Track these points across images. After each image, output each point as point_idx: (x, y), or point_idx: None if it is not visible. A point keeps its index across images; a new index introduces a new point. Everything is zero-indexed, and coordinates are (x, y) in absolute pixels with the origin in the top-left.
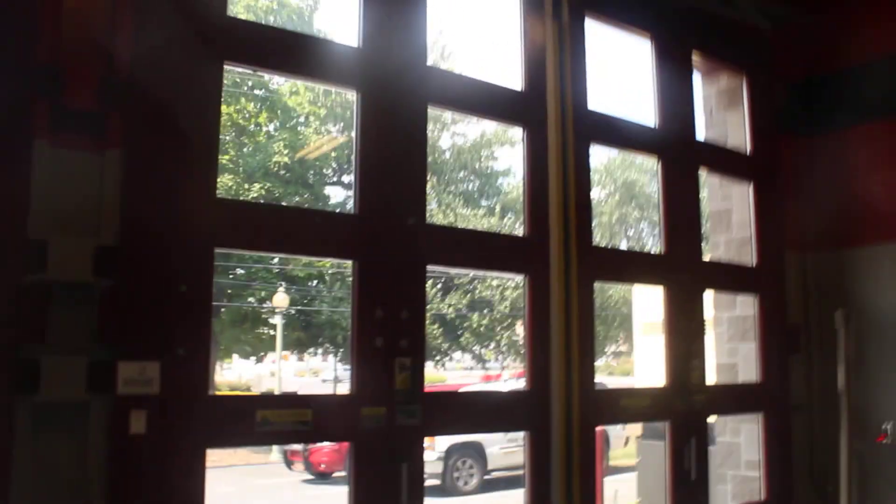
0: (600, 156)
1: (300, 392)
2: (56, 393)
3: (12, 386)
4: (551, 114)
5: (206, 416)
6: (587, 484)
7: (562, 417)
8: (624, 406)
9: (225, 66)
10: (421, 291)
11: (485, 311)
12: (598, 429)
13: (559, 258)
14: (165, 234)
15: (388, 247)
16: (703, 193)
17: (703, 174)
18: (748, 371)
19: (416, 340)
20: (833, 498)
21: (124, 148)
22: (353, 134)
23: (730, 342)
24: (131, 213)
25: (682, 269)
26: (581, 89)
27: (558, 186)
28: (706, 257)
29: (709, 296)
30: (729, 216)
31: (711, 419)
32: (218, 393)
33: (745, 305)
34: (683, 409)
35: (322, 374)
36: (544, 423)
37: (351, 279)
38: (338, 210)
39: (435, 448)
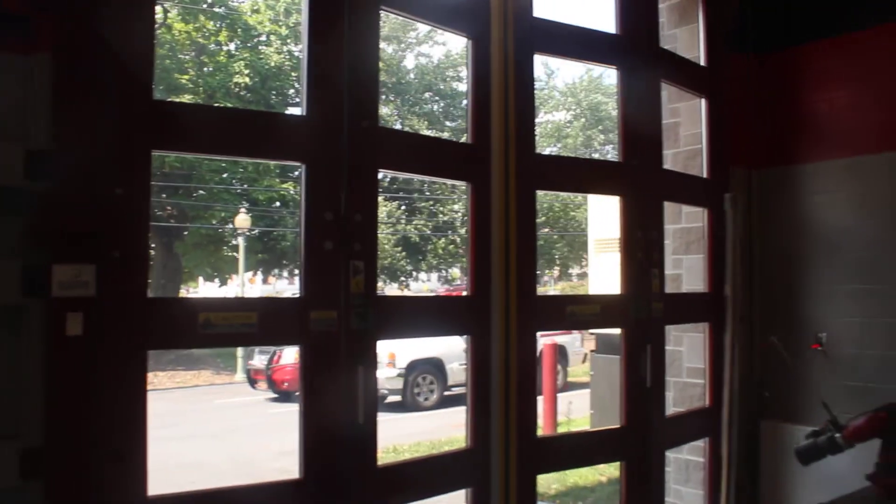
0: (564, 77)
1: None
2: None
3: None
4: (494, 22)
5: (144, 319)
6: (525, 387)
7: (501, 322)
8: (571, 312)
9: None
10: (373, 195)
11: (448, 232)
12: (549, 342)
13: (500, 166)
14: (99, 138)
15: (339, 149)
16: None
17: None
18: (692, 282)
19: (369, 244)
20: (769, 402)
21: (54, 51)
22: (303, 33)
23: (674, 254)
24: (63, 117)
25: (641, 178)
26: None
27: (499, 97)
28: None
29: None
30: (677, 130)
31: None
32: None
33: (690, 218)
34: (642, 318)
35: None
36: (485, 327)
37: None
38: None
39: (395, 364)
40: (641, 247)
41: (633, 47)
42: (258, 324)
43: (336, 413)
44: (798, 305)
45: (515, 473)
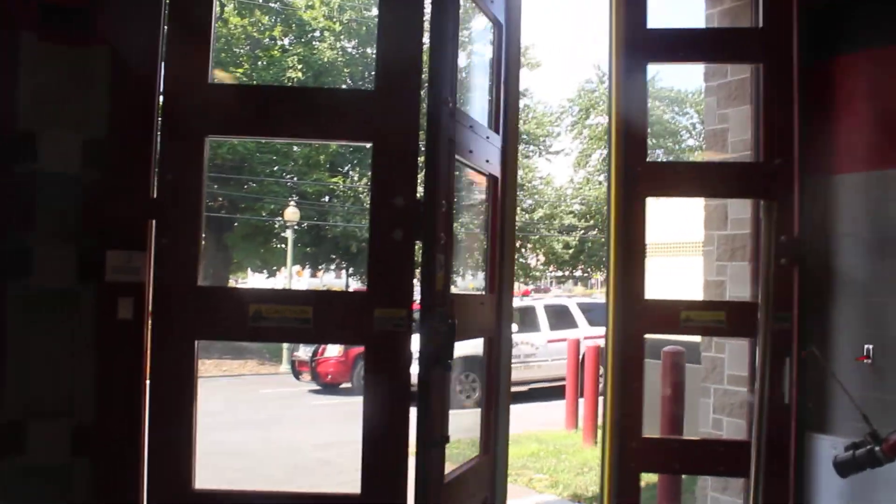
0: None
1: None
2: (47, 280)
3: (4, 272)
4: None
5: (193, 306)
6: (630, 388)
7: (612, 327)
8: (686, 317)
9: None
10: (452, 183)
11: None
12: (592, 346)
13: (616, 173)
14: (154, 126)
15: (413, 128)
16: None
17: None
18: (736, 290)
19: (449, 236)
20: (813, 413)
21: (111, 44)
22: None
23: (718, 260)
24: (118, 106)
25: (786, 179)
26: (636, 7)
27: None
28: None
29: (700, 214)
30: (725, 136)
31: (697, 337)
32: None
33: (735, 224)
34: (785, 328)
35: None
36: (497, 328)
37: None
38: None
39: None
40: (786, 252)
41: (781, 41)
42: (314, 319)
43: (402, 424)
44: (847, 315)
45: (615, 470)
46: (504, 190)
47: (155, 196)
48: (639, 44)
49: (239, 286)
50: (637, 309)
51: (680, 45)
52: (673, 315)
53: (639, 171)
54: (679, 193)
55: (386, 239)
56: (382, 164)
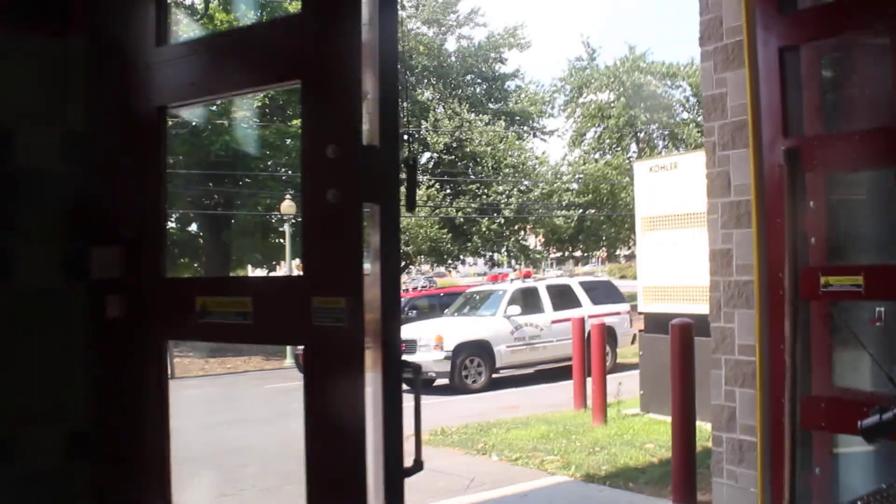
0: (606, 59)
1: None
2: (31, 281)
3: None
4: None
5: (161, 302)
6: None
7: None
8: (825, 283)
9: None
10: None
11: (494, 214)
12: (597, 323)
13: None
14: (125, 112)
15: (353, 54)
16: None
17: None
18: (742, 257)
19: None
20: None
21: (88, 30)
22: None
23: (724, 228)
24: (97, 95)
25: None
26: None
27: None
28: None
29: (702, 184)
30: (724, 101)
31: (705, 309)
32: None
33: (739, 190)
34: None
35: None
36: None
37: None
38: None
39: (443, 347)
40: None
41: None
42: (255, 313)
43: (354, 455)
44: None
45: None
46: None
47: (109, 184)
48: (772, 31)
49: (189, 277)
50: (781, 277)
51: (813, 24)
52: (813, 280)
53: (782, 150)
54: (829, 167)
55: (319, 203)
56: (314, 104)
